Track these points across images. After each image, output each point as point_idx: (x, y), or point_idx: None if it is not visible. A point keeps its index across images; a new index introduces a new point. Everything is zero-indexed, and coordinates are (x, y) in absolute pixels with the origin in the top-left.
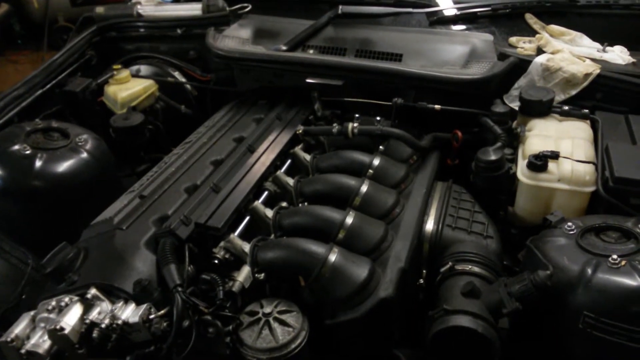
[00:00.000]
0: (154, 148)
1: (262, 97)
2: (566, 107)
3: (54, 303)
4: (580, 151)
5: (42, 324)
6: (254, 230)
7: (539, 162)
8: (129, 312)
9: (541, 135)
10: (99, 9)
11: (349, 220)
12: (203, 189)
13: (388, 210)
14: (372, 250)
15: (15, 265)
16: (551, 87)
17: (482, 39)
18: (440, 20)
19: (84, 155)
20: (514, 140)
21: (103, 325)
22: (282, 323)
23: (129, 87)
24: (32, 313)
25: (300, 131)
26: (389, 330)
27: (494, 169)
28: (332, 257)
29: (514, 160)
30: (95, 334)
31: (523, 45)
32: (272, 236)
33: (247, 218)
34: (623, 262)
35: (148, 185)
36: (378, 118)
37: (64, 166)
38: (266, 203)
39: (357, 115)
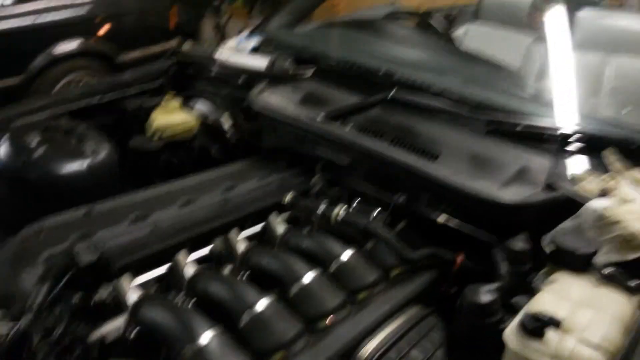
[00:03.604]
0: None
1: (283, 159)
2: (610, 270)
3: None
4: (598, 331)
5: None
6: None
7: (535, 325)
8: None
9: (559, 293)
10: (186, 45)
11: (259, 307)
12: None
13: (323, 313)
14: (271, 350)
15: None
16: (603, 241)
17: (538, 162)
18: (498, 131)
19: (85, 162)
20: (527, 287)
21: None
22: None
23: (170, 116)
24: None
25: (287, 199)
26: None
27: (480, 314)
28: (202, 342)
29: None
30: None
31: (589, 182)
32: (177, 295)
33: (167, 266)
34: None
35: (107, 204)
36: (377, 210)
37: (60, 166)
38: (199, 260)
39: (358, 200)
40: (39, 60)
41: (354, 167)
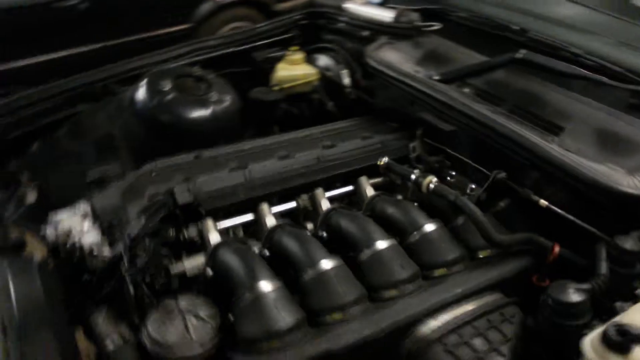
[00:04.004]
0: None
1: (393, 120)
2: None
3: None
4: None
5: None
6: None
7: (620, 339)
8: (90, 238)
9: None
10: None
11: (326, 264)
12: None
13: (389, 284)
14: (326, 310)
15: None
16: None
17: None
18: None
19: (209, 109)
20: (630, 293)
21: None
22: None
23: (292, 68)
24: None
25: (382, 163)
26: None
27: (564, 314)
28: (263, 289)
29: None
30: (63, 248)
31: None
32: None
33: (250, 215)
34: None
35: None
36: (473, 186)
37: (187, 110)
38: (284, 213)
39: (453, 173)
40: (204, 8)
41: (458, 136)
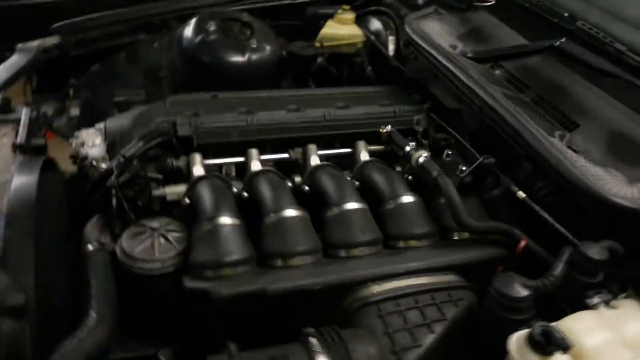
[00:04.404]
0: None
1: (420, 93)
2: None
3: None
4: None
5: None
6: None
7: (543, 340)
8: (95, 151)
9: (609, 320)
10: None
11: (289, 213)
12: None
13: (345, 244)
14: (275, 254)
15: None
16: None
17: None
18: None
19: (248, 54)
20: (578, 300)
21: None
22: (166, 239)
23: (339, 27)
24: None
25: (384, 131)
26: None
27: (504, 307)
28: (220, 222)
29: None
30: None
31: None
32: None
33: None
34: None
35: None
36: (464, 168)
37: (227, 53)
38: (275, 161)
39: (449, 152)
40: None
41: (463, 115)
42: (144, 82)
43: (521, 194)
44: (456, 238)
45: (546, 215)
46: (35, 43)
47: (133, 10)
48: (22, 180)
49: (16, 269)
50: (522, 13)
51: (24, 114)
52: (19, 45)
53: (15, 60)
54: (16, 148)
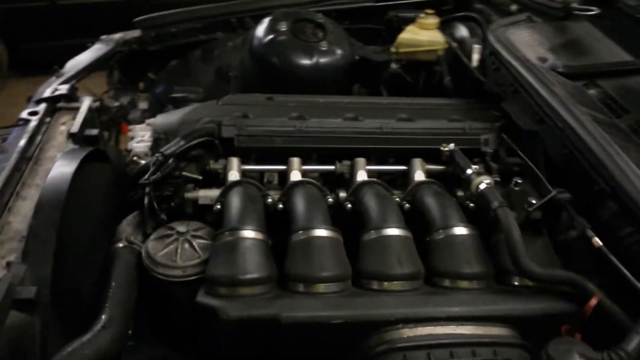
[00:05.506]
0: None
1: (496, 108)
2: None
3: None
4: None
5: None
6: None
7: None
8: (140, 147)
9: None
10: None
11: (319, 232)
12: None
13: (378, 275)
14: (296, 277)
15: None
16: None
17: None
18: None
19: (316, 57)
20: None
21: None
22: (191, 246)
23: (418, 33)
24: None
25: (446, 149)
26: None
27: None
28: (242, 235)
29: None
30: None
31: None
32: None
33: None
34: None
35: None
36: (534, 201)
37: (294, 54)
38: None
39: (518, 181)
40: None
41: (540, 139)
42: (214, 80)
43: (597, 240)
44: (516, 284)
45: (625, 271)
46: (117, 35)
47: (211, 8)
48: (60, 170)
49: (35, 260)
50: (631, 25)
51: (84, 104)
52: (102, 37)
53: (95, 50)
54: (70, 136)
